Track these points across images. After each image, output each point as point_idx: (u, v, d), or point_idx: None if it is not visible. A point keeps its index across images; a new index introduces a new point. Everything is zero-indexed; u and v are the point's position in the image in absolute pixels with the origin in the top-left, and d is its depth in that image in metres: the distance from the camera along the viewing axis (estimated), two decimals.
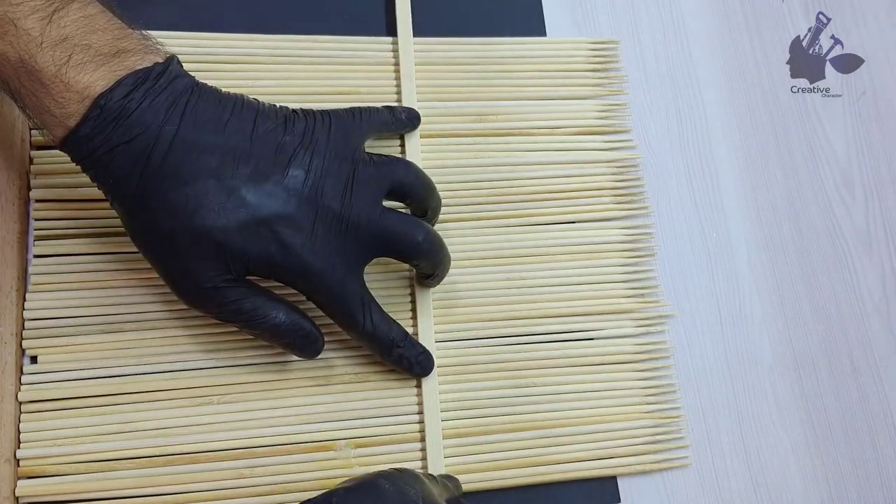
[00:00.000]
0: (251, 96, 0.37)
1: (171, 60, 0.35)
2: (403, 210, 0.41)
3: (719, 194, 0.51)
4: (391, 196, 0.39)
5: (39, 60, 0.32)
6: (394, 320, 0.40)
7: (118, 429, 0.40)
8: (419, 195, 0.40)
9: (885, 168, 0.53)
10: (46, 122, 0.33)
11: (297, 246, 0.36)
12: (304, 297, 0.39)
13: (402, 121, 0.45)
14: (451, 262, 0.42)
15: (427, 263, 0.40)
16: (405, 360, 0.41)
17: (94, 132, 0.33)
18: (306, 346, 0.39)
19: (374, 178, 0.38)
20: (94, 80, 0.32)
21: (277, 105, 0.38)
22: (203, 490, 0.39)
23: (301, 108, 0.39)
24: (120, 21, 0.34)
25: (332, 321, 0.39)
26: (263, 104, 0.37)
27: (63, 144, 0.34)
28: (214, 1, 0.48)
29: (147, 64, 0.34)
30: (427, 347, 0.42)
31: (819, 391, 0.48)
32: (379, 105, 0.44)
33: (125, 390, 0.40)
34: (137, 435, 0.40)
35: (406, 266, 0.44)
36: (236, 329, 0.41)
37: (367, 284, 0.39)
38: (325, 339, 0.40)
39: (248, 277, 0.37)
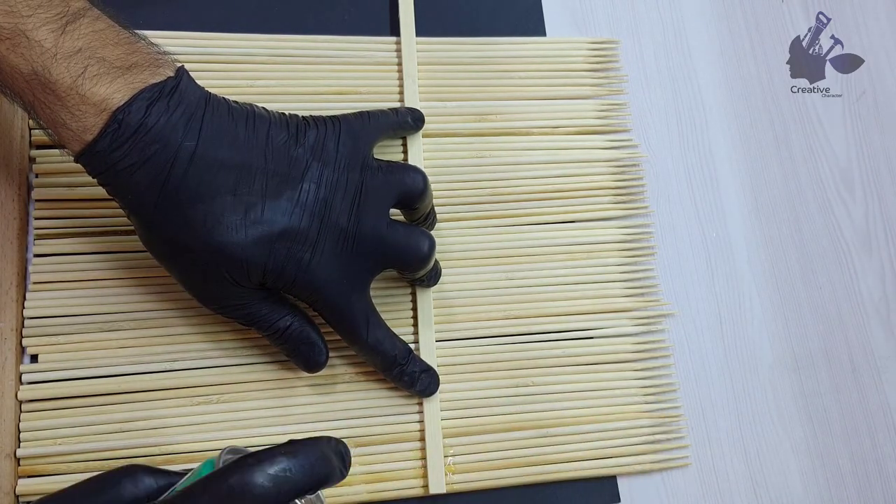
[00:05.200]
0: (259, 105, 0.38)
1: (182, 72, 0.35)
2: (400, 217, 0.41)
3: (719, 194, 0.51)
4: (398, 205, 0.39)
5: (54, 72, 0.32)
6: (398, 337, 0.40)
7: (118, 427, 0.40)
8: (425, 203, 0.40)
9: (885, 168, 0.53)
10: (62, 136, 0.33)
11: (306, 262, 0.36)
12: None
13: (409, 123, 0.45)
14: (452, 262, 0.42)
15: (425, 272, 0.40)
16: (406, 377, 0.41)
17: (112, 147, 0.33)
18: (310, 356, 0.39)
19: (383, 188, 0.38)
20: (111, 92, 0.32)
21: (287, 113, 0.38)
22: None
23: (312, 116, 0.39)
24: (129, 34, 0.34)
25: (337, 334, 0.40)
26: (273, 114, 0.37)
27: (80, 158, 0.34)
28: (214, 1, 0.48)
29: (160, 78, 0.34)
30: (431, 364, 0.42)
31: (819, 391, 0.48)
32: (385, 107, 0.44)
33: (124, 389, 0.40)
34: (136, 434, 0.40)
35: None
36: (238, 328, 0.41)
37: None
38: (328, 339, 0.40)
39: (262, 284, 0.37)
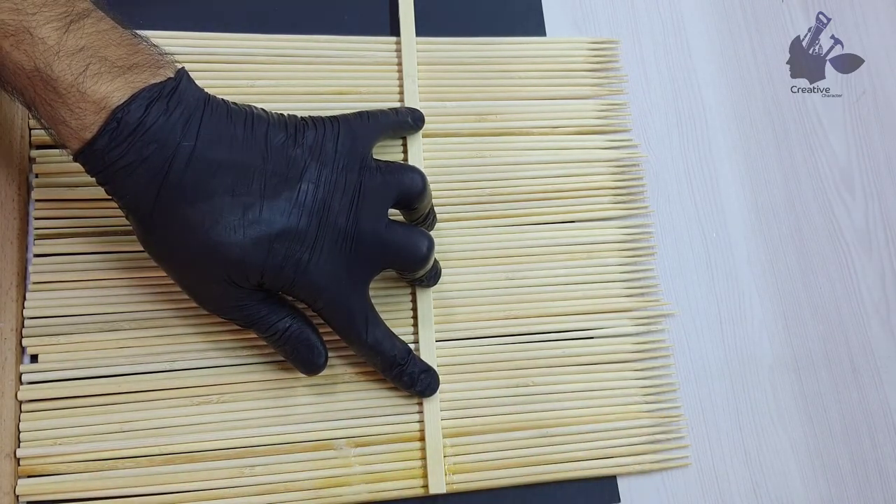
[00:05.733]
0: (258, 106, 0.38)
1: (182, 73, 0.35)
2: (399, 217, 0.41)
3: (719, 194, 0.51)
4: (397, 205, 0.39)
5: (56, 69, 0.32)
6: (398, 337, 0.40)
7: (118, 428, 0.40)
8: (424, 204, 0.40)
9: (885, 168, 0.53)
10: (62, 134, 0.33)
11: (305, 262, 0.36)
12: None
13: (409, 123, 0.45)
14: (452, 262, 0.42)
15: (424, 272, 0.40)
16: (406, 377, 0.41)
17: (111, 146, 0.33)
18: (309, 358, 0.39)
19: (381, 188, 0.38)
20: (111, 91, 0.33)
21: (286, 114, 0.38)
22: (202, 489, 0.39)
23: (310, 116, 0.39)
24: (131, 36, 0.34)
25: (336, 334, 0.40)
26: (272, 115, 0.38)
27: (78, 156, 0.34)
28: (215, 1, 0.48)
29: (160, 78, 0.34)
30: (431, 364, 0.42)
31: (819, 391, 0.48)
32: (385, 107, 0.44)
33: (124, 389, 0.40)
34: (137, 434, 0.40)
35: None
36: (238, 329, 0.41)
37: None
38: (328, 339, 0.40)
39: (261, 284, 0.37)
